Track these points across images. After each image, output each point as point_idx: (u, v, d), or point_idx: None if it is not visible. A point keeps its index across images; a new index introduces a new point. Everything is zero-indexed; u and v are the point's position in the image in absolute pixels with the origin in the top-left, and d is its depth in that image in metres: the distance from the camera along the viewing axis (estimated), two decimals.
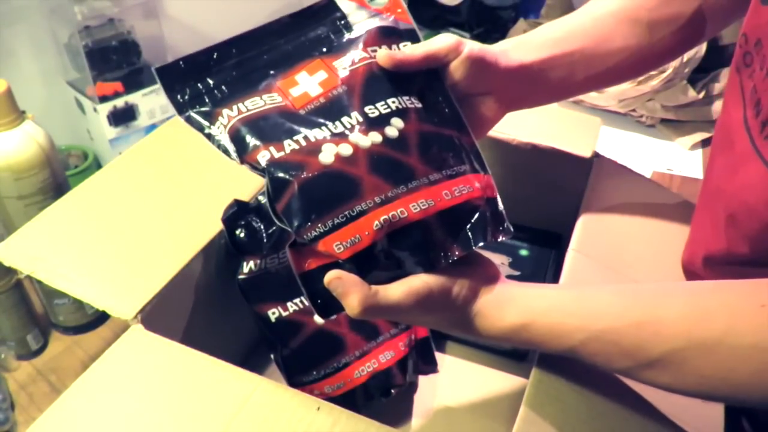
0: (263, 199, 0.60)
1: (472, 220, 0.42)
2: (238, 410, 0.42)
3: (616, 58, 0.52)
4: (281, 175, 0.40)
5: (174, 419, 0.41)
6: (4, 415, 0.64)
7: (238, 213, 0.57)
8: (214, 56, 0.44)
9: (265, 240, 0.58)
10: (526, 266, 0.74)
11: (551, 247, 0.76)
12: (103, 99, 0.94)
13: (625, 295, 0.39)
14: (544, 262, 0.74)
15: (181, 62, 0.44)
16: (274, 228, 0.58)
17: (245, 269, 0.58)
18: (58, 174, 0.66)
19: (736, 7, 0.50)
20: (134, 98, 0.97)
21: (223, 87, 0.44)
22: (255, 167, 0.41)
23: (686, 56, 1.03)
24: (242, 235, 0.57)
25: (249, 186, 0.60)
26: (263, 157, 0.40)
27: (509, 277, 0.65)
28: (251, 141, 0.41)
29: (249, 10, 1.29)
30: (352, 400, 0.59)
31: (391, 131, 0.42)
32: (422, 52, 0.45)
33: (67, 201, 0.58)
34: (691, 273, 0.52)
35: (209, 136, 0.42)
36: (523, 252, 0.76)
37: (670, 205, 0.61)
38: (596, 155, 0.67)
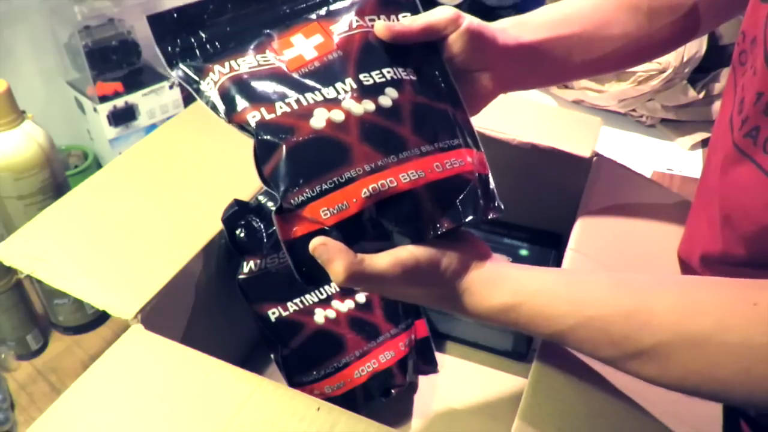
0: (263, 199, 0.60)
1: (463, 194, 0.41)
2: (238, 410, 0.42)
3: (615, 44, 0.52)
4: (270, 137, 0.39)
5: (174, 419, 0.41)
6: (4, 415, 0.64)
7: (238, 213, 0.57)
8: (209, 9, 0.43)
9: (265, 240, 0.58)
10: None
11: (551, 247, 0.76)
12: (103, 99, 0.94)
13: (617, 283, 0.39)
14: (544, 262, 0.74)
15: (174, 13, 0.43)
16: (274, 228, 0.58)
17: (245, 269, 0.58)
18: (58, 174, 0.66)
19: (732, 5, 0.50)
20: (134, 98, 0.97)
21: (216, 42, 0.43)
22: (244, 127, 0.40)
23: (686, 56, 1.03)
24: (242, 235, 0.57)
25: (249, 186, 0.60)
26: (253, 118, 0.40)
27: None
28: (241, 100, 0.40)
29: None
30: (352, 400, 0.59)
31: (385, 100, 0.41)
32: (420, 24, 0.44)
33: (67, 201, 0.58)
34: (687, 267, 0.52)
35: (198, 92, 0.42)
36: (523, 252, 0.76)
37: (670, 205, 0.61)
38: (596, 155, 0.67)
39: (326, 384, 0.59)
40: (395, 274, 0.38)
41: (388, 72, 0.43)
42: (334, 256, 0.37)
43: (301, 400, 0.43)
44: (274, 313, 0.58)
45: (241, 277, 0.58)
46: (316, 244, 0.38)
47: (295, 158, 0.39)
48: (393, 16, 0.45)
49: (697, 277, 0.39)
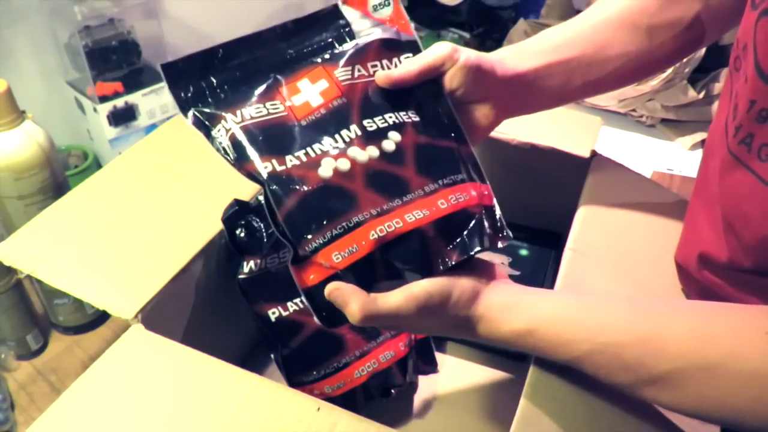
0: (264, 200, 0.60)
1: (469, 227, 0.43)
2: (238, 410, 0.42)
3: (615, 63, 0.52)
4: (281, 188, 0.41)
5: (174, 419, 0.41)
6: (4, 415, 0.64)
7: (238, 213, 0.57)
8: (219, 55, 0.45)
9: (265, 240, 0.58)
10: (526, 266, 0.74)
11: (551, 246, 0.76)
12: (103, 99, 0.94)
13: (632, 308, 0.39)
14: (543, 261, 0.74)
15: (186, 59, 0.45)
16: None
17: (245, 269, 0.58)
18: (58, 174, 0.66)
19: (734, 13, 0.50)
20: (134, 98, 0.97)
21: (226, 87, 0.45)
22: (254, 177, 0.42)
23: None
24: (242, 234, 0.57)
25: (249, 186, 0.60)
26: (265, 169, 0.42)
27: (509, 277, 0.65)
28: (252, 151, 0.42)
29: (249, 10, 1.29)
30: (352, 400, 0.59)
31: (388, 145, 0.43)
32: (417, 67, 0.45)
33: (67, 201, 0.58)
34: (685, 272, 0.52)
35: (210, 137, 0.44)
36: (523, 252, 0.76)
37: (669, 205, 0.61)
38: (595, 155, 0.67)
39: (326, 384, 0.59)
40: (409, 309, 0.40)
41: (390, 117, 0.45)
42: (348, 299, 0.39)
43: (301, 400, 0.43)
44: (274, 312, 0.58)
45: (241, 277, 0.58)
46: (330, 289, 0.40)
47: (306, 207, 0.41)
48: (395, 59, 0.47)
49: (710, 304, 0.39)
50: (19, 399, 0.67)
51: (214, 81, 0.45)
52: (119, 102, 0.95)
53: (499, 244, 0.43)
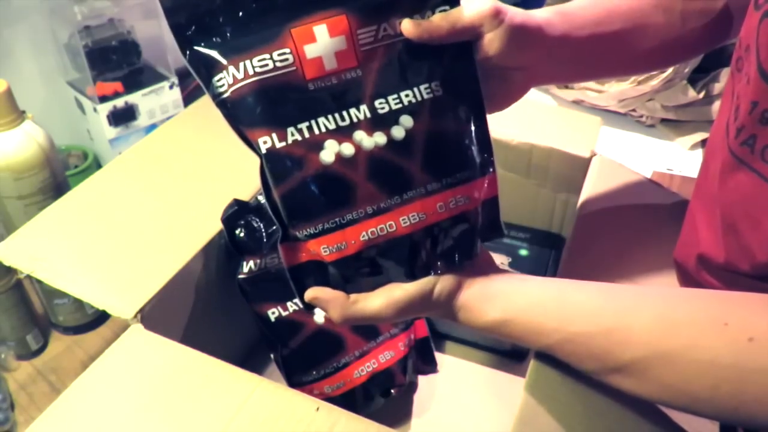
0: (263, 200, 0.60)
1: (462, 235, 0.43)
2: (238, 410, 0.42)
3: (648, 44, 0.52)
4: (280, 167, 0.39)
5: (174, 419, 0.41)
6: (4, 415, 0.64)
7: (237, 213, 0.57)
8: None
9: (264, 239, 0.58)
10: (526, 266, 0.74)
11: (551, 247, 0.76)
12: (103, 99, 0.94)
13: (601, 298, 0.40)
14: (543, 262, 0.74)
15: None
16: (273, 227, 0.58)
17: (245, 269, 0.58)
18: (58, 174, 0.66)
19: None
20: (134, 98, 0.97)
21: (235, 24, 0.40)
22: (251, 145, 0.40)
23: None
24: (242, 234, 0.57)
25: (249, 186, 0.60)
26: (264, 144, 0.39)
27: None
28: (253, 118, 0.39)
29: None
30: (351, 400, 0.59)
31: (398, 131, 0.40)
32: (451, 24, 0.40)
33: (67, 201, 0.58)
34: (683, 272, 0.52)
35: (208, 85, 0.40)
36: (523, 252, 0.76)
37: (669, 205, 0.61)
38: (595, 155, 0.67)
39: (326, 384, 0.59)
40: (387, 312, 0.41)
41: (407, 96, 0.41)
42: (328, 304, 0.41)
43: (301, 400, 0.43)
44: (273, 312, 0.58)
45: (240, 276, 0.58)
46: (311, 296, 0.42)
47: (303, 193, 0.40)
48: (428, 12, 0.41)
49: (675, 291, 0.41)
50: (19, 399, 0.67)
51: (220, 17, 0.39)
52: (119, 102, 0.95)
53: (492, 239, 0.44)
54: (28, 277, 0.52)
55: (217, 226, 0.56)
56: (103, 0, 0.93)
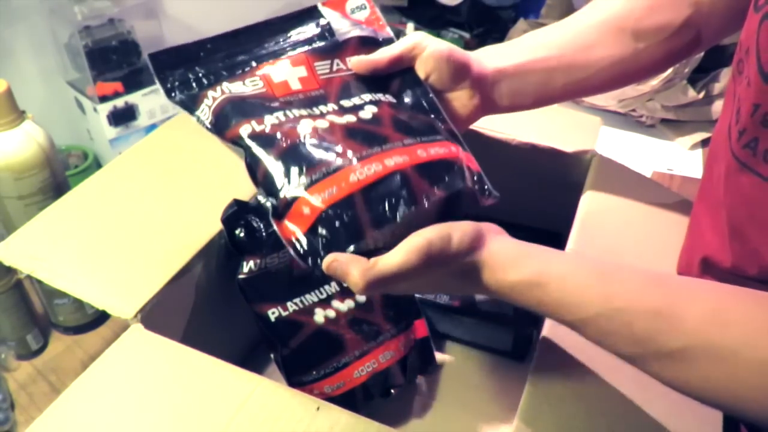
0: (263, 199, 0.60)
1: (451, 171, 0.42)
2: (238, 410, 0.42)
3: (598, 65, 0.53)
4: (262, 145, 0.42)
5: (174, 419, 0.42)
6: (4, 415, 0.64)
7: (237, 213, 0.57)
8: (205, 47, 0.47)
9: (264, 240, 0.58)
10: None
11: (551, 247, 0.75)
12: (103, 99, 0.94)
13: (649, 279, 0.38)
14: None
15: (173, 51, 0.46)
16: (274, 227, 0.58)
17: (245, 269, 0.58)
18: (58, 174, 0.66)
19: (730, 19, 0.50)
20: (134, 98, 0.97)
21: (211, 76, 0.46)
22: (237, 142, 0.43)
23: None
24: (242, 234, 0.57)
25: (249, 186, 0.60)
26: (244, 131, 0.42)
27: None
28: (233, 117, 0.43)
29: (249, 9, 1.29)
30: (351, 400, 0.59)
31: (365, 114, 0.45)
32: (389, 53, 0.48)
33: (67, 201, 0.58)
34: (687, 274, 0.52)
35: (197, 117, 0.45)
36: None
37: (670, 205, 0.61)
38: (595, 155, 0.67)
39: (326, 384, 0.59)
40: (411, 263, 0.38)
41: (367, 96, 0.47)
42: (347, 268, 0.38)
43: (301, 400, 0.43)
44: (273, 312, 0.58)
45: (240, 276, 0.58)
46: (328, 262, 0.38)
47: (285, 159, 0.41)
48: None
49: (730, 288, 0.38)
50: (19, 399, 0.67)
51: (199, 71, 0.46)
52: (119, 102, 0.95)
53: (487, 202, 0.44)
54: (28, 277, 0.52)
55: (217, 226, 0.56)
56: (103, 0, 0.93)
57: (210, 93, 0.45)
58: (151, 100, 0.99)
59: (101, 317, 0.75)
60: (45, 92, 1.01)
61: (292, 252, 0.40)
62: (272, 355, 0.60)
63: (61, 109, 1.02)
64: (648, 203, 0.60)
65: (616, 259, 0.53)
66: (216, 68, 0.47)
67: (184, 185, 0.60)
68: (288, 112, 0.44)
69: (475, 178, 0.44)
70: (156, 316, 0.49)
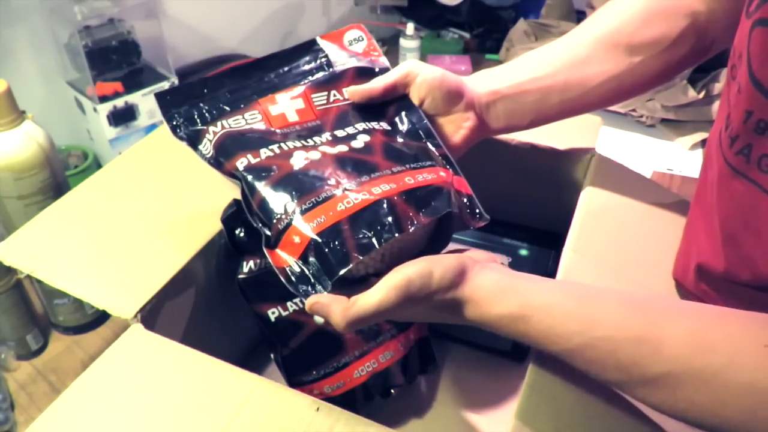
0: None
1: (438, 197, 0.43)
2: (238, 410, 0.42)
3: (592, 83, 0.53)
4: (256, 177, 0.44)
5: (174, 419, 0.42)
6: (4, 415, 0.64)
7: (237, 213, 0.57)
8: (209, 84, 0.50)
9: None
10: (526, 266, 0.74)
11: (551, 247, 0.76)
12: (103, 99, 0.94)
13: (630, 305, 0.38)
14: (543, 262, 0.74)
15: (178, 90, 0.49)
16: None
17: (245, 269, 0.58)
18: (58, 174, 0.66)
19: (734, 23, 0.50)
20: (134, 98, 0.97)
21: (214, 111, 0.49)
22: (234, 175, 0.45)
23: None
24: (242, 234, 0.57)
25: None
26: (241, 164, 0.45)
27: None
28: (231, 151, 0.46)
29: (249, 10, 1.29)
30: (351, 400, 0.59)
31: (357, 143, 0.46)
32: (383, 81, 0.50)
33: (67, 201, 0.58)
34: (682, 287, 0.52)
35: (198, 151, 0.47)
36: (523, 252, 0.76)
37: (669, 205, 0.61)
38: (595, 155, 0.67)
39: (326, 384, 0.59)
40: (389, 300, 0.38)
41: (361, 125, 0.49)
42: (329, 309, 0.39)
43: (301, 400, 0.43)
44: (273, 312, 0.58)
45: (240, 276, 0.58)
46: (311, 303, 0.40)
47: (277, 190, 0.43)
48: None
49: (711, 308, 0.38)
50: (19, 399, 0.67)
51: (203, 107, 0.49)
52: (119, 102, 0.95)
53: (477, 225, 0.44)
54: (28, 277, 0.52)
55: (217, 226, 0.56)
56: (103, 0, 0.93)
57: (211, 128, 0.47)
58: (151, 100, 0.98)
59: (101, 317, 0.75)
60: (45, 92, 1.01)
61: (284, 280, 0.41)
62: (272, 355, 0.60)
63: (61, 109, 1.02)
64: (647, 203, 0.60)
65: (615, 259, 0.54)
66: (218, 104, 0.49)
67: (184, 185, 0.60)
68: (283, 145, 0.46)
69: (466, 201, 0.45)
70: (156, 316, 0.49)
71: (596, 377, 0.38)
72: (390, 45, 1.42)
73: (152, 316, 0.49)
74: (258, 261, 0.58)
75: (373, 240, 0.40)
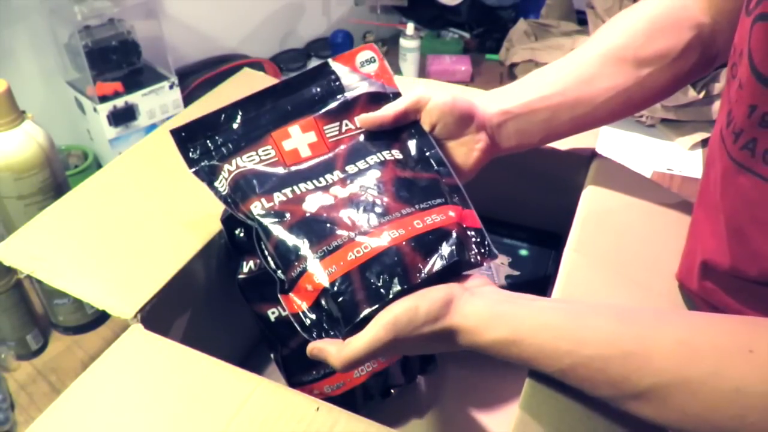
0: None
1: (446, 242, 0.44)
2: (238, 410, 0.42)
3: (601, 98, 0.53)
4: (270, 222, 0.45)
5: (174, 419, 0.42)
6: (4, 415, 0.64)
7: None
8: (222, 118, 0.50)
9: None
10: (526, 266, 0.74)
11: (551, 247, 0.76)
12: (103, 99, 0.94)
13: (617, 321, 0.39)
14: (543, 262, 0.74)
15: (193, 124, 0.50)
16: None
17: (245, 269, 0.58)
18: (58, 174, 0.66)
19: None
20: (134, 98, 0.97)
21: (229, 144, 0.49)
22: (248, 216, 0.46)
23: None
24: (242, 234, 0.57)
25: None
26: (255, 208, 0.46)
27: (509, 277, 0.65)
28: (246, 194, 0.47)
29: (249, 10, 1.29)
30: (351, 399, 0.59)
31: (368, 181, 0.47)
32: (394, 109, 0.50)
33: (67, 201, 0.58)
34: (685, 288, 0.52)
35: (213, 188, 0.49)
36: (523, 252, 0.76)
37: (670, 205, 0.60)
38: (596, 155, 0.67)
39: (326, 384, 0.59)
40: (379, 339, 0.40)
41: (372, 158, 0.49)
42: (325, 353, 0.42)
43: (301, 400, 0.43)
44: (273, 312, 0.58)
45: (240, 276, 0.58)
46: (310, 348, 0.43)
47: (290, 236, 0.45)
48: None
49: (696, 316, 0.39)
50: (19, 399, 0.67)
51: (219, 139, 0.50)
52: (119, 102, 0.95)
53: (485, 263, 0.45)
54: (28, 277, 0.52)
55: (217, 226, 0.56)
56: (103, 0, 0.93)
57: (226, 166, 0.48)
58: (151, 100, 0.99)
59: (101, 317, 0.75)
60: (45, 92, 1.01)
61: (297, 325, 0.44)
62: (272, 355, 0.60)
63: (61, 109, 1.02)
64: (648, 203, 0.60)
65: (616, 259, 0.54)
66: (233, 137, 0.50)
67: (184, 185, 0.60)
68: (296, 188, 0.47)
69: (475, 236, 0.46)
70: (156, 316, 0.49)
71: (590, 394, 0.39)
72: (390, 45, 1.43)
73: (152, 316, 0.49)
74: (258, 261, 0.58)
75: (382, 291, 0.42)
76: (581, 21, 1.37)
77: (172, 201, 0.58)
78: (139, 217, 0.56)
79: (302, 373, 0.59)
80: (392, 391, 0.61)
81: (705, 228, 0.49)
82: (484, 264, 0.45)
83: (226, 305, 0.61)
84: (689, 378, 0.35)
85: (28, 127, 0.63)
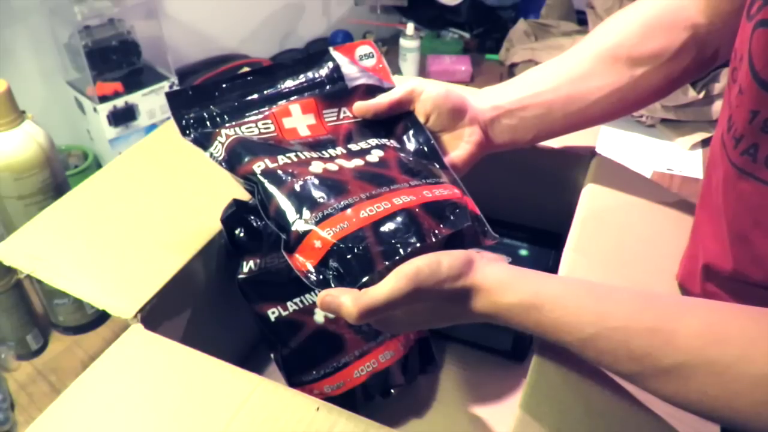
0: (257, 199, 0.60)
1: (455, 211, 0.44)
2: (238, 410, 0.42)
3: (594, 96, 0.53)
4: (274, 181, 0.44)
5: (174, 419, 0.42)
6: (4, 415, 0.64)
7: (237, 213, 0.57)
8: (221, 87, 0.50)
9: (264, 240, 0.58)
10: (526, 266, 0.74)
11: (551, 247, 0.75)
12: (103, 99, 0.94)
13: (643, 298, 0.38)
14: (543, 262, 0.74)
15: (189, 90, 0.49)
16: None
17: (245, 269, 0.58)
18: (58, 174, 0.66)
19: (736, 32, 0.50)
20: (134, 98, 0.97)
21: (225, 115, 0.49)
22: (248, 178, 0.45)
23: None
24: (242, 234, 0.57)
25: None
26: (258, 167, 0.45)
27: None
28: (246, 155, 0.45)
29: (249, 10, 1.29)
30: (351, 399, 0.59)
31: (372, 158, 0.47)
32: (388, 98, 0.51)
33: (67, 201, 0.58)
34: (686, 291, 0.52)
35: (207, 150, 0.47)
36: (523, 252, 0.76)
37: (669, 205, 0.60)
38: (595, 155, 0.67)
39: (326, 384, 0.59)
40: (401, 289, 0.38)
41: (373, 141, 0.49)
42: (340, 301, 0.39)
43: (301, 400, 0.43)
44: (273, 312, 0.58)
45: (240, 276, 0.58)
46: (322, 297, 0.40)
47: (297, 195, 0.43)
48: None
49: (724, 304, 0.38)
50: (19, 399, 0.67)
51: (214, 110, 0.48)
52: (119, 102, 0.95)
53: (487, 243, 0.45)
54: (28, 277, 0.52)
55: (217, 226, 0.56)
56: (103, 0, 0.93)
57: (223, 131, 0.47)
58: (151, 100, 0.99)
59: (101, 317, 0.75)
60: (45, 92, 1.01)
61: (306, 282, 0.41)
62: (272, 355, 0.60)
63: (61, 109, 1.02)
64: (648, 203, 0.60)
65: (616, 259, 0.54)
66: (230, 108, 0.49)
67: (184, 185, 0.60)
68: (300, 154, 0.46)
69: (477, 220, 0.46)
70: (156, 316, 0.49)
71: (608, 368, 0.38)
72: (390, 45, 1.42)
73: (152, 316, 0.49)
74: (258, 261, 0.58)
75: (398, 247, 0.40)
76: (581, 21, 1.37)
77: (172, 201, 0.58)
78: (139, 218, 0.56)
79: (302, 373, 0.59)
80: (392, 391, 0.61)
81: (707, 231, 0.49)
82: (484, 244, 0.45)
83: (226, 305, 0.61)
84: (714, 360, 0.34)
85: (28, 127, 0.63)
